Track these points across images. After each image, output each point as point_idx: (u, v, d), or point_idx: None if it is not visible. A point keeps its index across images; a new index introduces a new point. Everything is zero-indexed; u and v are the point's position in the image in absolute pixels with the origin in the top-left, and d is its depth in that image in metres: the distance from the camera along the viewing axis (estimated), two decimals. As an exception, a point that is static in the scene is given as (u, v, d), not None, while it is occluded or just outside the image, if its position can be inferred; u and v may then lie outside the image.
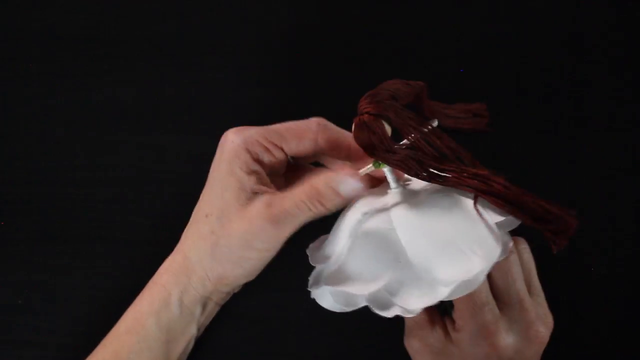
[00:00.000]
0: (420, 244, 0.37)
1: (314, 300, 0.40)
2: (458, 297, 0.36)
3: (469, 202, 0.37)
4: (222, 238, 0.39)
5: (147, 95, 0.52)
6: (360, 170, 0.38)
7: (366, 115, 0.36)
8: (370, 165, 0.38)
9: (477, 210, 0.36)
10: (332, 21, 0.53)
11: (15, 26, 0.53)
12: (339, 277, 0.38)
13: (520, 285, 0.39)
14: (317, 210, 0.37)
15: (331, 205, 0.38)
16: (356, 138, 0.36)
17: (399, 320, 0.40)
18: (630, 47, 0.52)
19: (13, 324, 0.48)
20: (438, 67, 0.52)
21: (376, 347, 0.48)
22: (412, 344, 0.42)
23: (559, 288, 0.49)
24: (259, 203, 0.38)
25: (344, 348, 0.48)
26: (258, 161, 0.38)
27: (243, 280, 0.42)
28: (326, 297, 0.40)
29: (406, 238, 0.37)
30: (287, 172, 0.43)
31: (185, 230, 0.42)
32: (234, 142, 0.38)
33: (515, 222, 0.38)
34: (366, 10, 0.53)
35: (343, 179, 0.37)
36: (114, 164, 0.51)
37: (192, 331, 0.43)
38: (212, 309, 0.44)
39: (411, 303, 0.36)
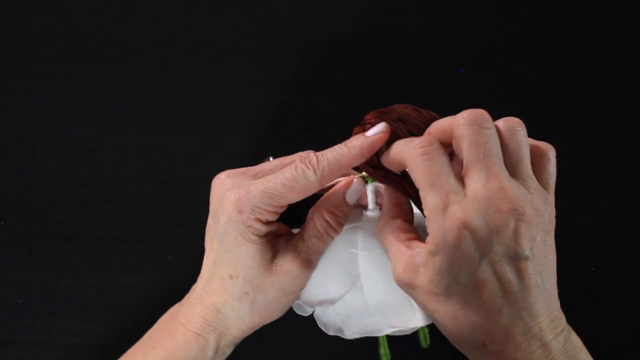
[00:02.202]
0: (376, 278, 0.39)
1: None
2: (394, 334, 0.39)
3: None
4: (259, 295, 0.40)
5: (147, 95, 0.52)
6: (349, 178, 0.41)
7: (368, 125, 0.37)
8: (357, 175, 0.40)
9: None
10: (333, 21, 0.53)
11: (15, 26, 0.53)
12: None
13: (528, 163, 0.36)
14: (335, 234, 0.39)
15: (345, 220, 0.40)
16: None
17: None
18: (631, 47, 0.52)
19: (13, 324, 0.48)
20: (438, 67, 0.52)
21: (375, 348, 0.48)
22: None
23: (559, 288, 0.49)
24: (285, 257, 0.39)
25: (344, 348, 0.48)
26: (269, 223, 0.39)
27: (279, 317, 0.43)
28: (300, 308, 0.42)
29: (365, 267, 0.39)
30: None
31: (205, 281, 0.42)
32: (242, 212, 0.38)
33: None
34: (367, 11, 0.53)
35: (348, 190, 0.40)
36: (114, 164, 0.51)
37: None
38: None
39: (351, 330, 0.39)
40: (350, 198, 0.40)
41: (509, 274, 0.34)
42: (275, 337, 0.48)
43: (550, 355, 0.35)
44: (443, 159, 0.34)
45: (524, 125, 0.36)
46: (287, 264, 0.39)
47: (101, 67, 0.52)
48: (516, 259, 0.34)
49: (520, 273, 0.34)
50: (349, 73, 0.52)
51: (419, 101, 0.46)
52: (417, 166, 0.34)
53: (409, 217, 0.39)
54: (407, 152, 0.35)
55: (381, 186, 0.42)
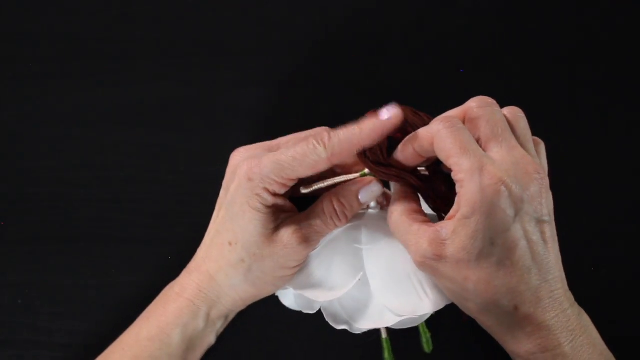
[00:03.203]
0: (381, 270, 0.40)
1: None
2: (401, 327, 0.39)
3: None
4: (254, 264, 0.40)
5: (147, 95, 0.52)
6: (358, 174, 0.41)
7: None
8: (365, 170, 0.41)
9: None
10: (333, 21, 0.53)
11: (15, 26, 0.53)
12: (303, 282, 0.41)
13: (532, 145, 0.39)
14: (340, 223, 0.40)
15: (352, 214, 0.41)
16: None
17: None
18: (631, 47, 0.52)
19: (13, 324, 0.48)
20: (438, 67, 0.52)
21: (375, 348, 0.48)
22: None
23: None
24: (287, 229, 0.40)
25: (344, 348, 0.48)
26: (276, 195, 0.40)
27: (272, 293, 0.44)
28: (288, 297, 0.43)
29: (370, 261, 0.40)
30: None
31: (205, 251, 0.43)
32: (252, 180, 0.39)
33: None
34: (367, 11, 0.53)
35: (364, 188, 0.40)
36: (114, 164, 0.51)
37: (211, 340, 0.44)
38: (232, 318, 0.46)
39: (359, 322, 0.40)
40: (364, 197, 0.41)
41: (536, 235, 0.36)
42: (276, 336, 0.48)
43: (569, 322, 0.37)
44: (468, 132, 0.36)
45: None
46: (287, 236, 0.39)
47: (101, 67, 0.52)
48: (540, 221, 0.36)
49: (543, 236, 0.36)
50: (349, 73, 0.52)
51: (418, 101, 0.46)
52: (447, 137, 0.35)
53: (419, 204, 0.39)
54: (432, 129, 0.36)
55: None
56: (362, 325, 0.40)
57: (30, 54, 0.53)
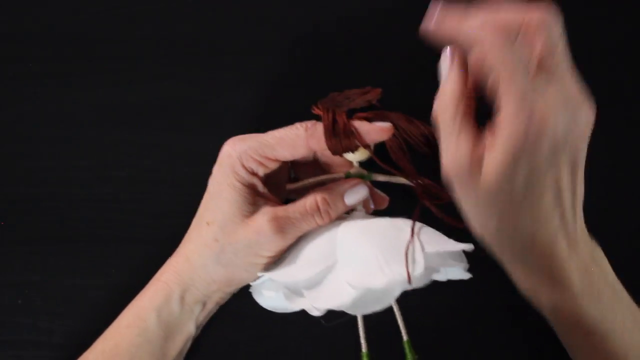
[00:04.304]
0: (350, 244, 0.38)
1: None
2: (360, 314, 0.39)
3: (407, 228, 0.39)
4: (227, 245, 0.40)
5: (147, 95, 0.52)
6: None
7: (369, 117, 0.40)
8: (357, 166, 0.42)
9: (412, 231, 0.38)
10: (333, 22, 0.53)
11: (15, 26, 0.53)
12: (272, 266, 0.40)
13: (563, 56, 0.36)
14: (321, 221, 0.40)
15: (335, 214, 0.40)
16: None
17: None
18: (631, 47, 0.52)
19: (13, 324, 0.48)
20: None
21: (374, 349, 0.48)
22: None
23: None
24: (264, 214, 0.40)
25: (344, 348, 0.48)
26: (254, 174, 0.40)
27: (248, 282, 0.43)
28: (262, 296, 0.42)
29: (341, 237, 0.39)
30: (291, 193, 0.45)
31: (187, 234, 0.44)
32: (230, 156, 0.40)
33: (459, 270, 0.41)
34: (368, 12, 0.53)
35: (350, 189, 0.40)
36: (114, 164, 0.51)
37: (190, 329, 0.44)
38: (212, 308, 0.45)
39: (320, 302, 0.38)
40: (349, 198, 0.41)
41: (566, 177, 0.35)
42: (276, 336, 0.48)
43: (580, 260, 0.37)
44: (522, 51, 0.33)
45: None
46: (261, 222, 0.39)
47: (101, 67, 0.52)
48: (575, 165, 0.36)
49: (573, 178, 0.36)
50: (349, 74, 0.52)
51: (418, 101, 0.46)
52: (497, 54, 0.33)
53: (473, 112, 0.36)
54: (480, 37, 0.34)
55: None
56: (323, 305, 0.38)
57: (30, 54, 0.53)
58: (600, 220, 0.50)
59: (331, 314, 0.40)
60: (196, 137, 0.51)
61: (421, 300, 0.48)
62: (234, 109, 0.52)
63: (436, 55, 0.52)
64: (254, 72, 0.52)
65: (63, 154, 0.51)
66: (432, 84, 0.51)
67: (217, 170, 0.41)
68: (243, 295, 0.46)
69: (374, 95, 0.42)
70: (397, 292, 0.38)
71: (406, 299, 0.40)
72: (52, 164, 0.51)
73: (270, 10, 0.53)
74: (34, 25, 0.53)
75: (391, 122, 0.40)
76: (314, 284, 0.39)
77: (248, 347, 0.48)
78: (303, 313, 0.48)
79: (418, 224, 0.39)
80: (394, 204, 0.46)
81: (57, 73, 0.52)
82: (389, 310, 0.40)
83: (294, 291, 0.40)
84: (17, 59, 0.53)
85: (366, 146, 0.40)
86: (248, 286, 0.44)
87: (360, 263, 0.37)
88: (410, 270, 0.36)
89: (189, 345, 0.45)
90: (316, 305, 0.38)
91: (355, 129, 0.39)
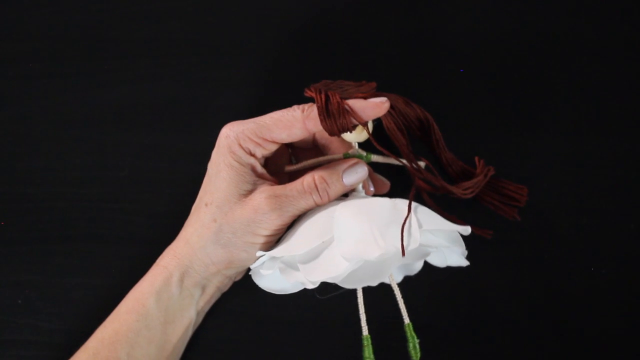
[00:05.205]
0: (346, 220, 0.38)
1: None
2: (355, 287, 0.38)
3: (404, 207, 0.39)
4: (225, 225, 0.40)
5: (146, 95, 0.52)
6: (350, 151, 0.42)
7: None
8: (356, 147, 0.42)
9: (409, 208, 0.38)
10: (333, 22, 0.53)
11: (15, 26, 0.53)
12: (273, 246, 0.40)
13: None
14: (319, 199, 0.40)
15: (334, 193, 0.40)
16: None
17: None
18: (631, 47, 0.52)
19: (13, 324, 0.48)
20: (438, 67, 0.52)
21: (375, 348, 0.48)
22: None
23: (560, 287, 0.49)
24: (261, 192, 0.40)
25: (344, 348, 0.48)
26: (252, 155, 0.40)
27: (247, 264, 0.43)
28: (258, 274, 0.42)
29: (339, 214, 0.39)
30: (291, 176, 0.45)
31: (187, 219, 0.44)
32: (228, 137, 0.40)
33: (454, 239, 0.40)
34: (367, 11, 0.53)
35: (348, 168, 0.40)
36: (114, 164, 0.51)
37: (191, 314, 0.43)
38: (213, 293, 0.44)
39: (314, 275, 0.37)
40: (348, 178, 0.40)
41: None
42: (276, 336, 0.48)
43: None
44: None
45: None
46: (258, 199, 0.40)
47: (101, 67, 0.52)
48: None
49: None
50: (349, 73, 0.52)
51: (418, 101, 0.46)
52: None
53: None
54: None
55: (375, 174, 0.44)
56: (317, 277, 0.37)
57: (30, 54, 0.53)
58: (601, 220, 0.50)
59: (325, 287, 0.40)
60: (196, 137, 0.51)
61: (421, 300, 0.48)
62: (233, 109, 0.52)
63: (434, 54, 0.52)
64: (254, 72, 0.52)
65: (63, 154, 0.51)
66: (428, 83, 0.51)
67: (215, 152, 0.42)
68: (243, 295, 0.46)
69: (367, 88, 0.42)
70: (392, 266, 0.38)
71: (407, 297, 0.40)
72: (52, 164, 0.51)
73: (270, 11, 0.53)
74: (34, 25, 0.53)
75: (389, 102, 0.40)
76: (310, 258, 0.38)
77: (248, 347, 0.48)
78: (303, 313, 0.48)
79: (415, 204, 0.39)
80: (395, 189, 0.47)
81: (57, 73, 0.52)
82: (391, 294, 0.40)
83: (290, 266, 0.39)
84: (17, 59, 0.53)
85: (363, 124, 0.39)
86: (248, 284, 0.44)
87: (355, 237, 0.37)
88: (405, 244, 0.36)
89: (190, 333, 0.45)
90: (310, 278, 0.37)
91: (350, 106, 0.39)
